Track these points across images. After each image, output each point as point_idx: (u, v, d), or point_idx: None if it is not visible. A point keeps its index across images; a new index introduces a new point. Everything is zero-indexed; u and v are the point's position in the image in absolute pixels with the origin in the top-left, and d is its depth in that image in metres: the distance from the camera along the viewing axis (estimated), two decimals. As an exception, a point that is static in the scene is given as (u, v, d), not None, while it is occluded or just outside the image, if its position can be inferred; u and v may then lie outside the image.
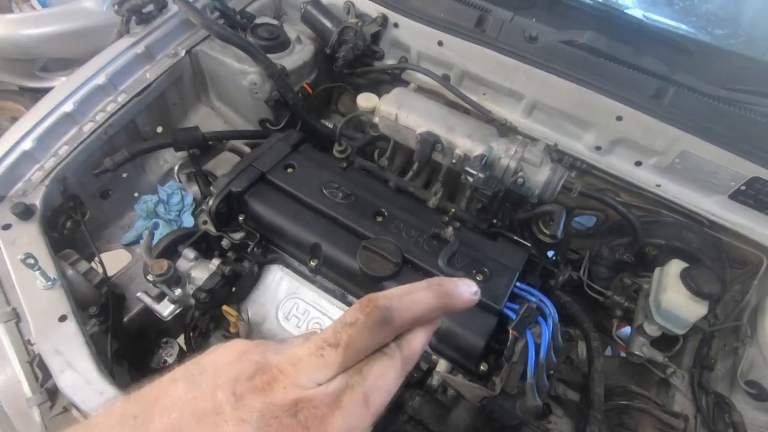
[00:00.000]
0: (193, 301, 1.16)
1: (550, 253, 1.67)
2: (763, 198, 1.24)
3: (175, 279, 1.14)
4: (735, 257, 1.37)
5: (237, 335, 1.23)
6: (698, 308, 1.17)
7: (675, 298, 1.18)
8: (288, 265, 1.27)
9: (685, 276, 1.17)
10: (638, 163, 1.39)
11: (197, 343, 1.48)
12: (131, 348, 1.38)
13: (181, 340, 1.50)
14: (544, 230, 1.57)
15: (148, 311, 1.25)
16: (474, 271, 1.09)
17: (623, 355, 1.63)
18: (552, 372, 1.01)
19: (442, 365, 1.08)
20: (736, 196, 1.28)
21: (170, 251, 1.23)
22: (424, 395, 1.29)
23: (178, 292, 1.16)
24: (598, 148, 1.42)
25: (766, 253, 1.30)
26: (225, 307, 1.14)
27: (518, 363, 0.98)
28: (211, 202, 1.17)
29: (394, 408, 1.40)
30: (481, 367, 1.02)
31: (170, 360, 1.47)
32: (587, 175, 1.48)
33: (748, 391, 1.17)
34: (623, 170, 1.41)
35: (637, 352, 1.28)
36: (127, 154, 1.37)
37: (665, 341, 1.33)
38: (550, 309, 1.04)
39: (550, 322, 1.01)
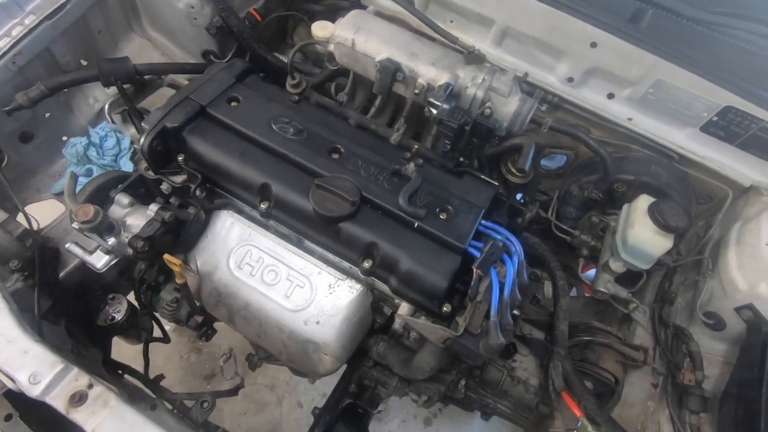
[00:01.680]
0: (130, 251, 1.05)
1: (519, 197, 1.62)
2: (734, 129, 1.20)
3: (107, 227, 1.02)
4: (702, 192, 1.35)
5: (186, 287, 1.13)
6: (664, 242, 1.15)
7: (642, 233, 1.15)
8: (239, 211, 1.16)
9: (652, 210, 1.14)
10: (611, 96, 1.32)
11: (147, 298, 1.38)
12: (71, 305, 1.27)
13: (133, 298, 1.41)
14: (513, 170, 1.50)
15: (87, 267, 1.14)
16: (437, 210, 1.01)
17: (587, 295, 1.65)
18: (516, 311, 0.98)
19: (404, 308, 1.03)
20: (708, 127, 1.24)
21: (101, 197, 1.09)
22: (389, 340, 1.26)
23: (111, 241, 1.04)
24: (570, 80, 1.33)
25: (732, 186, 1.28)
26: (166, 256, 1.03)
27: (482, 302, 0.93)
28: (142, 140, 1.03)
29: (359, 354, 1.37)
30: (445, 308, 0.97)
31: (118, 316, 1.37)
32: (559, 110, 1.40)
33: (706, 322, 1.19)
34: (595, 103, 1.33)
35: (601, 289, 1.27)
36: (43, 88, 1.19)
37: (629, 278, 1.32)
38: (516, 246, 0.98)
39: (515, 260, 0.96)
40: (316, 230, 1.05)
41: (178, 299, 1.35)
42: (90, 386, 0.87)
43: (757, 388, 0.95)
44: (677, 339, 1.23)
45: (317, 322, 1.08)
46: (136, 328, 1.46)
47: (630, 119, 1.31)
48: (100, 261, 1.03)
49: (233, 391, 1.76)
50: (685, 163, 1.31)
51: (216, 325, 2.55)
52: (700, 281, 1.26)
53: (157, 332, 1.57)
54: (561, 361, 1.18)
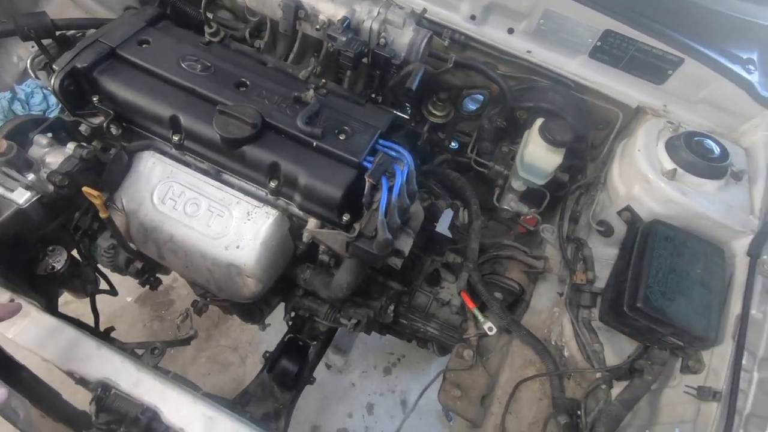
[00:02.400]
0: (51, 188, 1.11)
1: (454, 144, 1.72)
2: (616, 52, 1.31)
3: (25, 162, 1.08)
4: (600, 117, 1.47)
5: (111, 222, 1.20)
6: (554, 157, 1.26)
7: (534, 150, 1.26)
8: (161, 152, 1.23)
9: (542, 129, 1.25)
10: (510, 30, 1.42)
11: (86, 247, 1.44)
12: (8, 254, 1.33)
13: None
14: (434, 111, 1.60)
15: (21, 216, 1.19)
16: (336, 131, 1.10)
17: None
18: (407, 216, 1.08)
19: (311, 223, 1.12)
20: (595, 53, 1.34)
21: (20, 139, 1.15)
22: (315, 268, 1.36)
23: (31, 177, 1.10)
24: (473, 18, 1.42)
25: (622, 109, 1.40)
26: (86, 189, 1.10)
27: (377, 209, 1.03)
28: (53, 80, 1.09)
29: (289, 286, 1.47)
30: (345, 218, 1.07)
31: (58, 266, 1.43)
32: (468, 49, 1.49)
33: (598, 229, 1.31)
34: (498, 39, 1.43)
35: (506, 207, 1.39)
36: (-42, 42, 1.23)
37: (536, 199, 1.44)
38: (407, 159, 1.08)
39: (405, 170, 1.05)
40: (226, 157, 1.13)
41: (114, 246, 1.42)
42: (11, 300, 0.94)
43: (625, 272, 1.08)
44: (577, 250, 1.36)
45: (237, 247, 1.16)
46: (80, 279, 1.52)
47: (529, 52, 1.41)
48: (21, 197, 1.09)
49: (185, 341, 1.82)
50: (581, 90, 1.42)
51: (175, 292, 2.60)
52: (595, 195, 1.38)
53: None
54: (468, 272, 1.29)
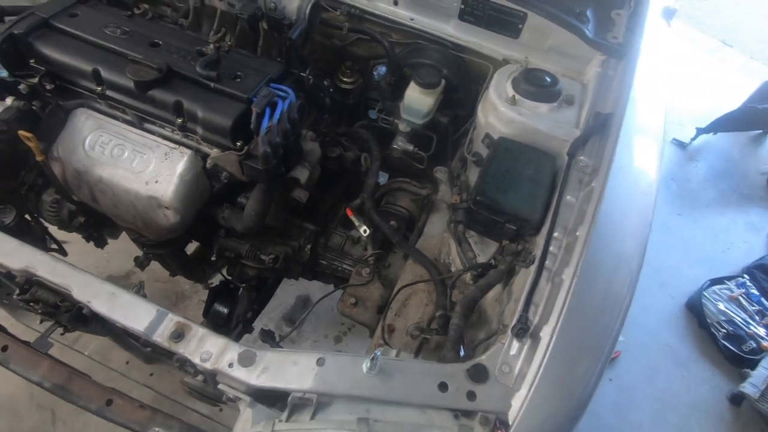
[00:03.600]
0: (-8, 136, 1.32)
1: (372, 114, 1.96)
2: (478, 13, 1.57)
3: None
4: (478, 74, 1.72)
5: (47, 165, 1.40)
6: (427, 99, 1.50)
7: (410, 94, 1.50)
8: (94, 109, 1.44)
9: (414, 75, 1.49)
10: (395, 3, 1.68)
11: (32, 203, 1.63)
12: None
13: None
14: (343, 78, 1.84)
15: None
16: (232, 76, 1.33)
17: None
18: (291, 137, 1.30)
19: (214, 152, 1.34)
20: (462, 16, 1.61)
21: (-36, 97, 1.36)
22: (232, 208, 1.56)
23: (-28, 127, 1.31)
24: (363, -8, 1.68)
25: (492, 63, 1.65)
26: (21, 132, 1.30)
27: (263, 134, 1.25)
28: (-7, 43, 1.31)
29: (212, 227, 1.66)
30: (238, 144, 1.28)
31: (7, 221, 1.61)
32: (365, 21, 1.75)
33: (472, 160, 1.54)
34: (386, 11, 1.69)
35: (395, 146, 1.61)
36: None
37: (426, 143, 1.67)
38: (291, 95, 1.31)
39: (287, 102, 1.28)
40: (140, 101, 1.34)
41: (58, 200, 1.61)
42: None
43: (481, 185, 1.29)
44: (457, 178, 1.58)
45: (156, 181, 1.36)
46: (29, 236, 1.70)
47: (412, 19, 1.67)
48: (-36, 144, 1.29)
49: None
50: (459, 50, 1.68)
51: (136, 276, 2.76)
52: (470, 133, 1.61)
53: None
54: (362, 200, 1.51)
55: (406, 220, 1.57)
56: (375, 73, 1.89)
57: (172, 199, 1.37)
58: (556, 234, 1.13)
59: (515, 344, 0.98)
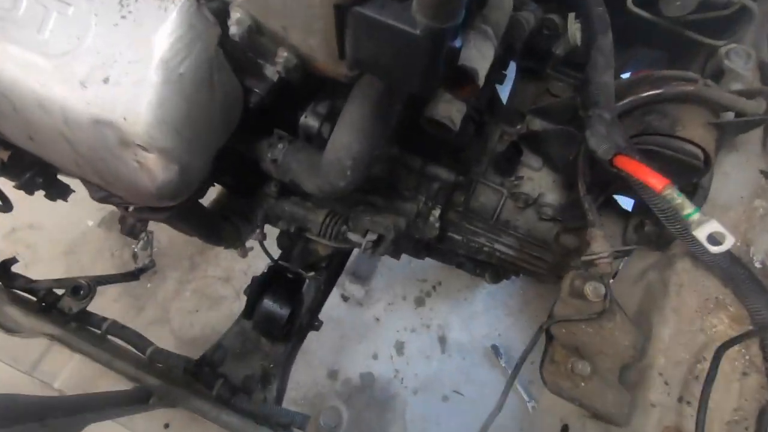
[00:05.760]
0: None
1: None
2: None
3: None
4: None
5: None
6: None
7: None
8: None
9: None
10: None
11: None
12: None
13: None
14: None
15: None
16: None
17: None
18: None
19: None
20: None
21: None
22: (292, 140, 0.72)
23: None
24: None
25: None
26: None
27: None
28: None
29: (254, 179, 0.84)
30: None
31: None
32: None
33: None
34: None
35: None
36: None
37: None
38: None
39: None
40: None
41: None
42: None
43: None
44: None
45: (106, 79, 0.51)
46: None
47: None
48: None
49: (132, 275, 1.31)
50: None
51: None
52: None
53: None
54: (605, 127, 0.62)
55: (700, 173, 0.68)
56: None
57: (152, 124, 0.53)
58: None
59: None
